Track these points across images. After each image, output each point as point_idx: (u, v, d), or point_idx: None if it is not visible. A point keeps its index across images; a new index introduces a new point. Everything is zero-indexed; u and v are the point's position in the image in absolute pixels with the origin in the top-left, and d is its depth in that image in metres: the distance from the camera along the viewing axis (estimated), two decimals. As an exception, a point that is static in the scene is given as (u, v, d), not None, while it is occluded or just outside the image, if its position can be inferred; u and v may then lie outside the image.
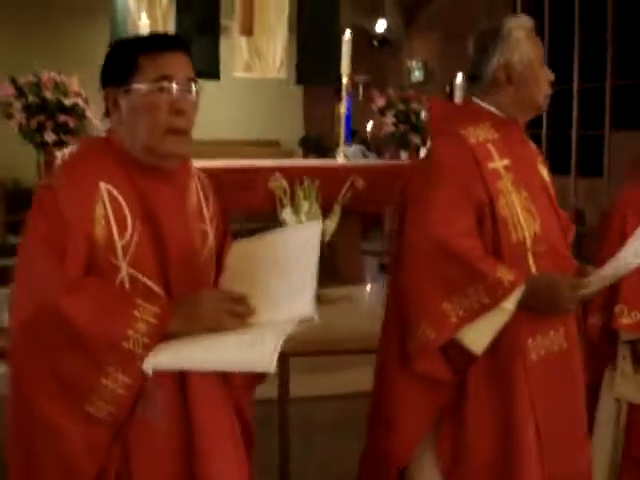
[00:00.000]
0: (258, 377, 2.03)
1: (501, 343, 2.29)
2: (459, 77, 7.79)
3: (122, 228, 1.85)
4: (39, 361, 1.76)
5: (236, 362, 1.71)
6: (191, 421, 1.86)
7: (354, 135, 13.08)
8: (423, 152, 8.40)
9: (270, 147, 12.93)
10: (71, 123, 5.99)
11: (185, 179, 2.02)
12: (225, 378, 1.95)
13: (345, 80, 7.24)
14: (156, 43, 1.90)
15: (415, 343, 2.30)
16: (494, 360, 2.31)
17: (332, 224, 6.23)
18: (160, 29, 7.16)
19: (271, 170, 6.51)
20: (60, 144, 6.11)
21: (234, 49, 7.95)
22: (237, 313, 1.81)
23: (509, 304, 2.23)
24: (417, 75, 13.90)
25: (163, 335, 1.77)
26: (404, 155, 7.82)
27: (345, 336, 4.48)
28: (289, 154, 12.79)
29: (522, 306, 2.25)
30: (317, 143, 13.38)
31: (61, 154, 5.67)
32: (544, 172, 2.54)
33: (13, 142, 6.86)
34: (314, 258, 1.81)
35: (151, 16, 6.80)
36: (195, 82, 1.91)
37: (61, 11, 11.02)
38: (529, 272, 2.31)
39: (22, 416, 1.80)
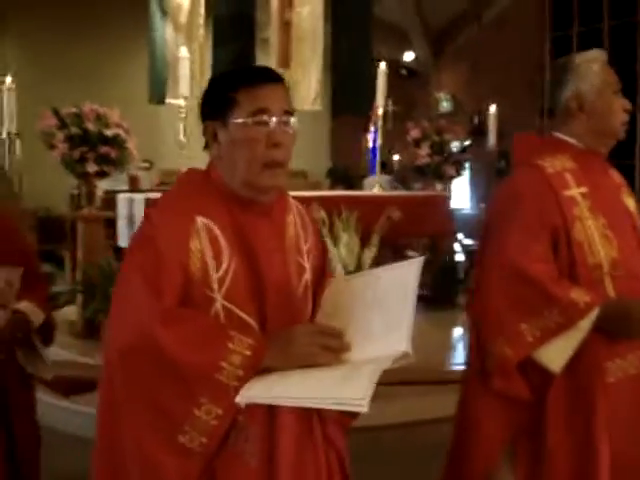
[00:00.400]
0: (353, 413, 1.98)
1: (581, 364, 2.35)
2: (492, 108, 7.83)
3: (218, 261, 1.86)
4: (135, 390, 1.78)
5: (328, 399, 1.66)
6: (277, 457, 1.84)
7: (384, 166, 13.09)
8: (455, 182, 8.43)
9: (297, 178, 12.99)
10: (112, 154, 6.05)
11: (282, 212, 2.03)
12: (319, 414, 1.94)
13: (381, 111, 7.31)
14: (253, 77, 1.90)
15: (493, 361, 2.37)
16: (573, 381, 2.37)
17: (370, 255, 6.24)
18: (197, 63, 7.25)
19: (309, 200, 6.56)
20: (102, 174, 6.18)
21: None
22: (331, 348, 1.78)
23: (585, 324, 2.30)
24: (445, 106, 13.97)
25: (257, 368, 1.76)
26: (439, 186, 7.83)
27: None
28: (316, 185, 12.82)
29: (597, 328, 2.31)
30: (344, 174, 13.43)
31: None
32: (629, 201, 2.59)
33: (48, 172, 6.97)
34: (412, 295, 1.76)
35: (189, 50, 6.88)
36: (292, 114, 1.91)
37: (101, 47, 11.25)
38: (606, 295, 2.37)
39: (115, 442, 1.82)
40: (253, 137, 1.86)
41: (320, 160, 13.83)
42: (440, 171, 7.74)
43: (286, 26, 7.41)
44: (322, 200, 6.49)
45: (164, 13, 7.40)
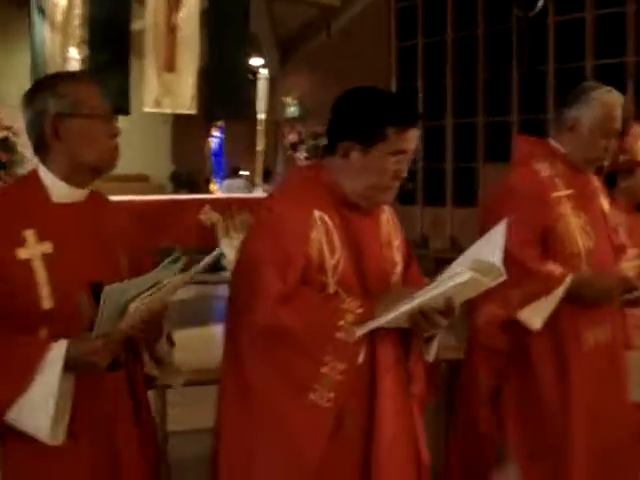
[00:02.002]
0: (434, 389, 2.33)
1: (561, 331, 2.80)
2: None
3: (332, 251, 2.12)
4: (270, 366, 2.04)
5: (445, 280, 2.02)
6: (373, 433, 2.11)
7: (236, 171, 13.14)
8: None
9: (140, 182, 12.81)
10: (3, 158, 5.88)
11: (379, 212, 2.30)
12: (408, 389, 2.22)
13: (262, 116, 7.49)
14: (405, 118, 2.15)
15: (483, 318, 2.77)
16: (554, 342, 2.81)
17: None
18: (74, 65, 7.11)
19: (201, 203, 6.66)
20: (-6, 178, 5.99)
21: (143, 85, 7.98)
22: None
23: (560, 290, 2.75)
24: (292, 111, 14.28)
25: (369, 318, 2.04)
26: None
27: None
28: (159, 189, 12.73)
29: (570, 296, 2.76)
30: (187, 178, 13.40)
31: None
32: (604, 203, 3.05)
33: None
34: (500, 239, 2.06)
35: (65, 51, 6.80)
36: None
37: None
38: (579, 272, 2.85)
39: (249, 409, 2.06)
40: (387, 169, 2.15)
41: (162, 163, 13.73)
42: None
43: (172, 30, 7.44)
44: (213, 202, 6.62)
45: (42, 12, 7.21)
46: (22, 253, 1.99)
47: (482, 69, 11.62)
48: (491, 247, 2.07)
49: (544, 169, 2.90)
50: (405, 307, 2.02)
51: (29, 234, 2.01)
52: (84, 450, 1.99)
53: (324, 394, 2.02)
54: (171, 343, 2.24)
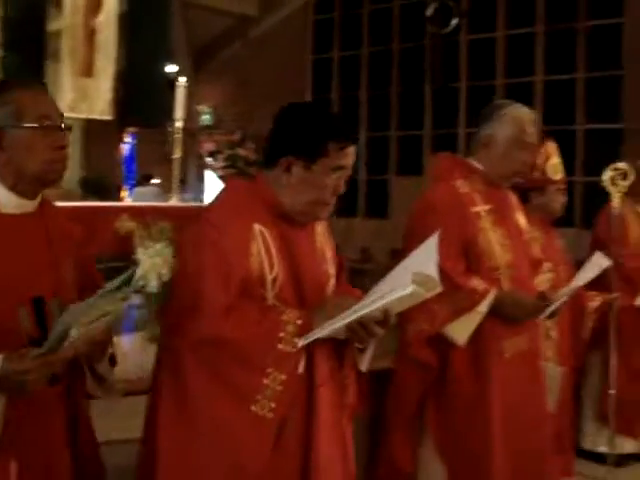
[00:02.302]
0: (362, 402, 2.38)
1: (482, 340, 2.91)
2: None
3: (271, 264, 2.15)
4: (211, 375, 2.05)
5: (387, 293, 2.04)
6: (311, 443, 2.15)
7: (147, 178, 12.91)
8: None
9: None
10: None
11: (313, 224, 2.33)
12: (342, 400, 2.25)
13: (179, 125, 7.43)
14: (346, 135, 2.21)
15: (411, 332, 2.88)
16: (476, 352, 2.92)
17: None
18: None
19: (118, 211, 6.53)
20: None
21: (59, 89, 7.80)
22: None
23: (483, 307, 2.88)
24: (205, 119, 14.18)
25: (308, 330, 2.07)
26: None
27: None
28: (68, 194, 12.45)
29: (492, 311, 2.89)
30: (97, 184, 13.13)
31: None
32: (521, 218, 3.19)
33: None
34: (434, 251, 2.11)
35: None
36: None
37: None
38: (501, 288, 2.96)
39: (189, 419, 2.07)
40: (327, 185, 2.19)
41: (72, 169, 13.42)
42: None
43: (90, 34, 7.29)
44: (131, 210, 6.51)
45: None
46: None
47: (396, 84, 11.82)
48: (425, 259, 2.12)
49: (463, 185, 3.02)
50: (348, 318, 2.04)
51: None
52: (12, 467, 1.93)
53: (265, 404, 2.04)
54: (113, 363, 2.20)
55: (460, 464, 2.94)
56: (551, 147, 4.05)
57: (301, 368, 2.09)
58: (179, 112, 7.40)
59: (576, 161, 10.04)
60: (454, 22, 10.86)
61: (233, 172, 8.02)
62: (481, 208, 2.99)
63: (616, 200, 4.47)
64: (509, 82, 10.84)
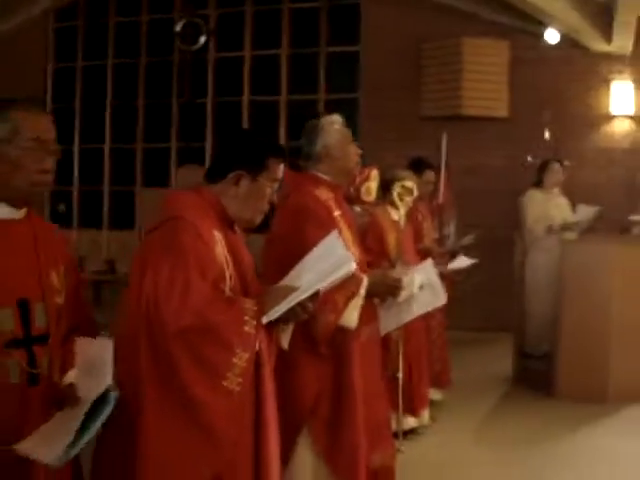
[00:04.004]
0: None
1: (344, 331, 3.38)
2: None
3: (227, 263, 2.53)
4: (189, 355, 2.33)
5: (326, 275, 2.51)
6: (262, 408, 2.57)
7: None
8: None
9: None
10: None
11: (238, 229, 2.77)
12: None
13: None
14: (281, 152, 2.72)
15: (321, 325, 3.23)
16: (340, 340, 3.39)
17: None
18: None
19: None
20: None
21: None
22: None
23: (362, 290, 3.36)
24: None
25: (262, 315, 2.45)
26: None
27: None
28: None
29: (369, 293, 3.41)
30: None
31: None
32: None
33: None
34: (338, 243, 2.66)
35: None
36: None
37: None
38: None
39: (173, 398, 2.33)
40: (266, 195, 2.67)
41: None
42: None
43: None
44: None
45: None
46: None
47: (142, 96, 11.91)
48: (333, 251, 2.63)
49: (321, 194, 3.51)
50: (297, 298, 2.48)
51: None
52: None
53: (234, 380, 2.38)
54: None
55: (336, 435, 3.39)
56: (374, 173, 4.64)
57: (257, 347, 2.45)
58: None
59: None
60: (203, 40, 11.21)
61: None
62: (337, 213, 3.52)
63: (402, 213, 5.18)
64: (254, 99, 11.43)
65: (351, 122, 11.38)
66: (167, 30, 11.44)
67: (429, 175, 6.59)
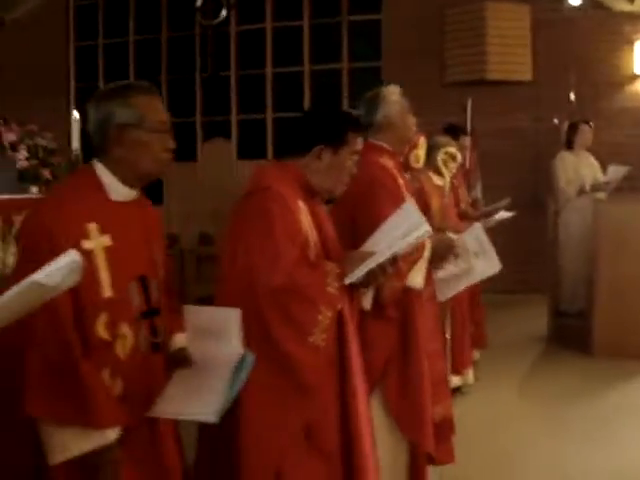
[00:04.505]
0: None
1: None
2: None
3: (312, 231, 2.72)
4: (282, 312, 2.54)
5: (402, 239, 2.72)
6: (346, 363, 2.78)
7: None
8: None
9: None
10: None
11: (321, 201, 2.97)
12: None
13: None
14: (359, 125, 2.89)
15: (387, 292, 3.30)
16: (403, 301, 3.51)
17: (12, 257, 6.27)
18: None
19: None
20: None
21: None
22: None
23: (427, 253, 3.49)
24: (-46, 107, 13.37)
25: (343, 278, 2.64)
26: (35, 189, 7.92)
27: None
28: None
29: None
30: None
31: None
32: None
33: None
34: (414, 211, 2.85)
35: None
36: None
37: None
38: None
39: (268, 355, 2.53)
40: (347, 167, 2.83)
41: None
42: (38, 174, 7.86)
43: None
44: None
45: None
46: (86, 244, 2.19)
47: (165, 72, 12.01)
48: (408, 217, 2.80)
49: (386, 162, 3.62)
50: (376, 260, 2.66)
51: (92, 227, 2.22)
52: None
53: (319, 336, 2.59)
54: None
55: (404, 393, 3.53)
56: (421, 140, 4.75)
57: (339, 306, 2.65)
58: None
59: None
60: (223, 13, 11.28)
61: (35, 162, 7.85)
62: (400, 181, 3.65)
63: (447, 179, 5.30)
64: (277, 71, 11.51)
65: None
66: (188, 5, 11.49)
67: (465, 140, 6.70)
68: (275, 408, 2.58)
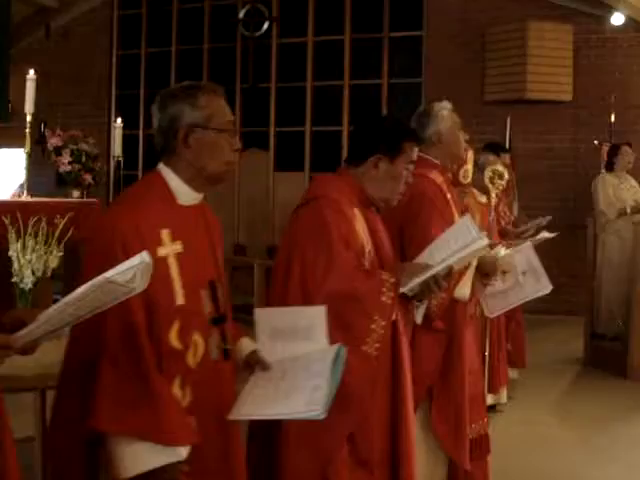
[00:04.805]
0: None
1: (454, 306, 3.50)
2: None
3: (367, 240, 2.77)
4: (337, 321, 2.51)
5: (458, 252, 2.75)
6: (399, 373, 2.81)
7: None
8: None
9: None
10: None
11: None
12: None
13: (29, 119, 7.29)
14: (415, 136, 2.95)
15: (434, 304, 3.30)
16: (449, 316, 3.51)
17: (56, 260, 6.36)
18: None
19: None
20: None
21: None
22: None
23: (474, 262, 3.48)
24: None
25: (398, 288, 2.67)
26: (76, 193, 8.03)
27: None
28: None
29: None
30: None
31: None
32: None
33: None
34: (470, 224, 2.87)
35: None
36: None
37: None
38: None
39: None
40: (402, 176, 2.87)
41: None
42: (79, 179, 7.98)
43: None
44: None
45: None
46: (160, 251, 2.14)
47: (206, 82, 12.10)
48: (464, 231, 2.82)
49: (436, 177, 3.62)
50: (430, 272, 2.68)
51: (165, 233, 2.17)
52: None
53: (372, 345, 2.59)
54: None
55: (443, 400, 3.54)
56: (470, 154, 4.76)
57: (393, 316, 2.67)
58: (29, 106, 7.27)
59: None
60: (265, 25, 11.38)
61: (78, 167, 7.97)
62: (449, 196, 3.67)
63: (494, 196, 5.30)
64: (317, 85, 11.57)
65: (414, 107, 11.58)
66: (230, 16, 11.62)
67: (505, 158, 6.69)
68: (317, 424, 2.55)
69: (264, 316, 2.48)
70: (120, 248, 2.04)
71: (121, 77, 12.56)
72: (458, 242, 2.75)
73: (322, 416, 2.11)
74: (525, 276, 4.07)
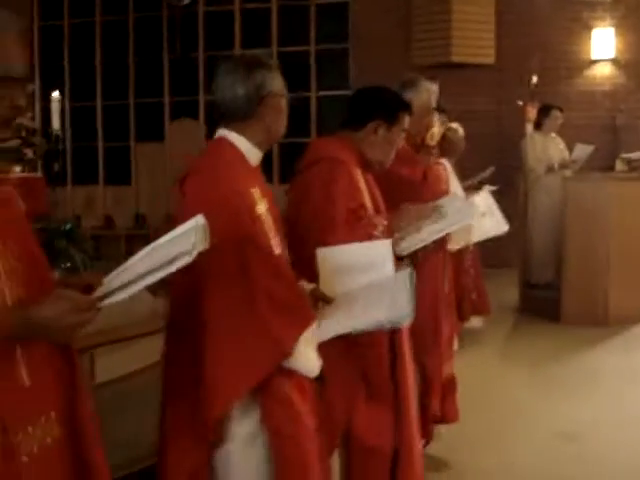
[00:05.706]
0: None
1: None
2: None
3: (366, 196, 3.04)
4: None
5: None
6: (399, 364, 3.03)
7: None
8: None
9: None
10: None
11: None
12: None
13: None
14: (409, 107, 3.17)
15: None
16: None
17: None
18: None
19: None
20: None
21: None
22: None
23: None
24: None
25: (392, 231, 2.89)
26: (18, 169, 7.98)
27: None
28: None
29: None
30: None
31: None
32: None
33: None
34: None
35: None
36: None
37: None
38: None
39: None
40: (396, 142, 3.15)
41: None
42: (20, 154, 7.93)
43: None
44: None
45: None
46: (259, 209, 2.38)
47: (133, 53, 12.08)
48: (456, 205, 3.16)
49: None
50: (428, 238, 2.96)
51: (256, 192, 2.41)
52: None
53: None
54: None
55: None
56: (436, 118, 5.04)
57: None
58: None
59: (310, 124, 11.28)
60: (191, -5, 11.41)
61: (18, 142, 7.93)
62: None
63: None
64: (245, 52, 11.63)
65: (341, 73, 11.79)
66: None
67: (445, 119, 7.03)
68: (340, 359, 2.78)
69: (331, 254, 2.69)
70: (226, 213, 2.23)
71: (43, 50, 12.36)
72: (450, 213, 3.03)
73: (408, 318, 2.45)
74: (483, 217, 4.41)
